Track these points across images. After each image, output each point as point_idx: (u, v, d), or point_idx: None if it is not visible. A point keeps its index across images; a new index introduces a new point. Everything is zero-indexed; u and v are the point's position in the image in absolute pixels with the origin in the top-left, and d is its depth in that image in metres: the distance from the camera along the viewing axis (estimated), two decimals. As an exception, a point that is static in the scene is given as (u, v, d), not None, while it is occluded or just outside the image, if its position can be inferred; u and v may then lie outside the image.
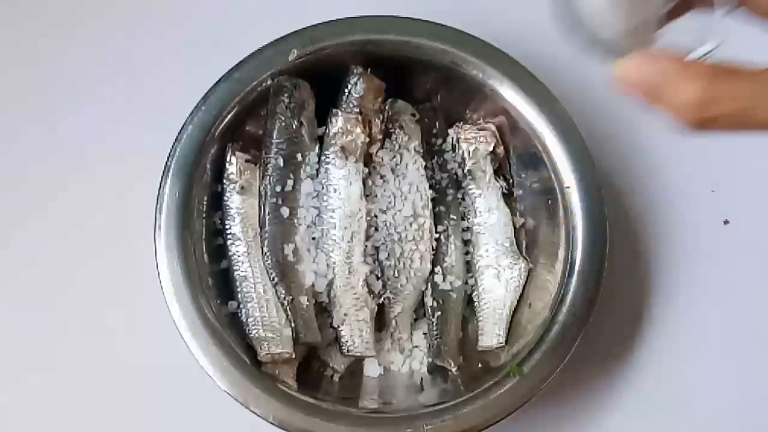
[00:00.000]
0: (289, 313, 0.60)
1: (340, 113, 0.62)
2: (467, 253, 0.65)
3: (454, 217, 0.65)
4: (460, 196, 0.66)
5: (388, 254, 0.63)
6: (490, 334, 0.63)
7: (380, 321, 0.63)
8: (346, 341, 0.61)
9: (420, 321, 0.65)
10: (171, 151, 0.59)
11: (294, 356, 0.59)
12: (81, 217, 0.67)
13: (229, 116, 0.61)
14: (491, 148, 0.65)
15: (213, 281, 0.60)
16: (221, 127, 0.61)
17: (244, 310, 0.60)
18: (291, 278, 0.60)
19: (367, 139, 0.63)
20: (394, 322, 0.63)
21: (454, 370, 0.62)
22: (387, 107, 0.65)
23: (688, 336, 0.68)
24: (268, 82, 0.61)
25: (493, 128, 0.66)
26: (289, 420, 0.55)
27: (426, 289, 0.64)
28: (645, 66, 0.32)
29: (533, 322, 0.61)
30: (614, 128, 0.72)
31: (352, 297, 0.61)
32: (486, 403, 0.57)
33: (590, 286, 0.59)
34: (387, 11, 0.63)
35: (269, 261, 0.60)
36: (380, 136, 0.64)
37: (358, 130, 0.62)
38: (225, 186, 0.62)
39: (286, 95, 0.61)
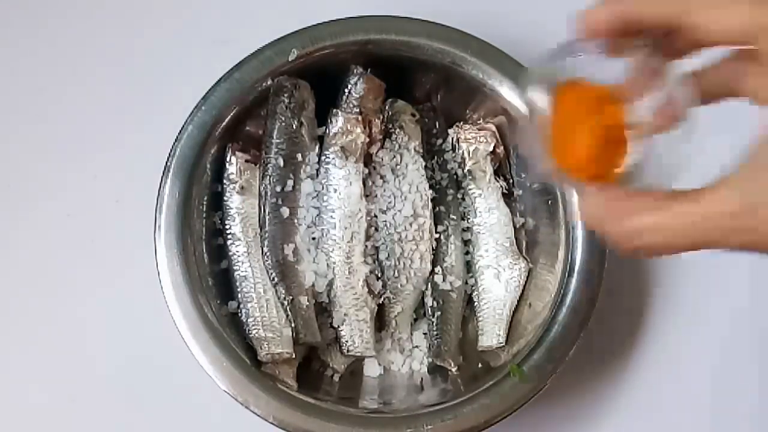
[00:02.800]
0: (289, 313, 0.60)
1: (340, 113, 0.62)
2: (467, 253, 0.65)
3: (454, 217, 0.65)
4: (460, 196, 0.66)
5: (388, 254, 0.63)
6: (490, 334, 0.63)
7: (380, 321, 0.63)
8: (346, 341, 0.61)
9: (420, 321, 0.65)
10: (171, 151, 0.59)
11: (294, 356, 0.59)
12: (81, 217, 0.67)
13: (229, 116, 0.61)
14: (491, 148, 0.65)
15: (213, 281, 0.60)
16: (221, 127, 0.61)
17: (244, 310, 0.60)
18: (291, 278, 0.60)
19: (367, 139, 0.63)
20: (394, 322, 0.63)
21: (454, 370, 0.62)
22: (387, 107, 0.65)
23: (688, 336, 0.68)
24: (268, 82, 0.61)
25: (493, 128, 0.66)
26: (289, 420, 0.55)
27: (426, 289, 0.64)
28: (589, 200, 0.36)
29: (533, 322, 0.61)
30: (614, 128, 0.72)
31: (352, 297, 0.61)
32: (486, 403, 0.57)
33: (590, 286, 0.59)
34: (387, 11, 0.63)
35: (269, 261, 0.60)
36: (380, 136, 0.64)
37: (358, 130, 0.62)
38: (225, 186, 0.62)
39: (286, 95, 0.61)
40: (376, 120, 0.63)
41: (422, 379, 0.63)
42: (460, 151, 0.66)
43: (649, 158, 0.38)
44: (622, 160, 0.39)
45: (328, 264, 0.61)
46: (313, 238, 0.62)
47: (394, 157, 0.64)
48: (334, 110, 0.62)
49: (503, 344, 0.62)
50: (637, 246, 0.34)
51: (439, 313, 0.63)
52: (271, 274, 0.60)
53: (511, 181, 0.67)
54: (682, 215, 0.34)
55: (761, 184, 0.33)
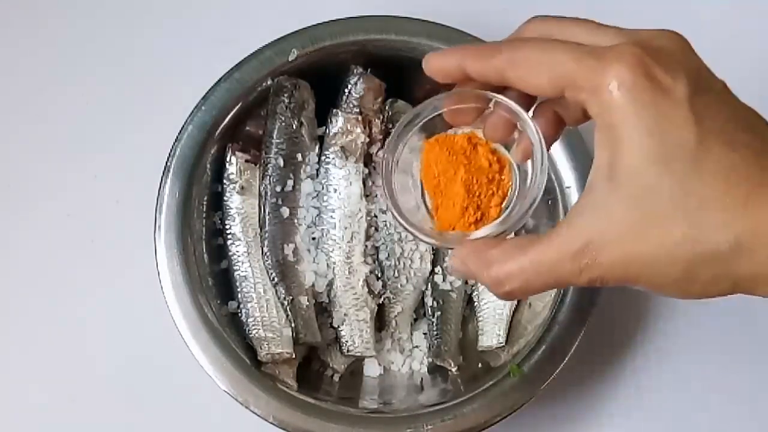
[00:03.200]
0: (289, 313, 0.60)
1: (340, 113, 0.62)
2: (467, 253, 0.65)
3: (454, 217, 0.65)
4: (460, 195, 0.66)
5: (388, 254, 0.63)
6: (490, 334, 0.63)
7: (380, 321, 0.63)
8: (346, 341, 0.61)
9: (420, 321, 0.65)
10: (171, 151, 0.59)
11: (294, 356, 0.59)
12: (81, 217, 0.67)
13: (229, 116, 0.61)
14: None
15: (213, 281, 0.60)
16: (221, 127, 0.61)
17: (244, 310, 0.60)
18: (291, 278, 0.60)
19: (367, 139, 0.63)
20: (394, 322, 0.63)
21: (454, 370, 0.62)
22: (387, 107, 0.65)
23: (689, 335, 0.68)
24: (268, 82, 0.61)
25: (493, 128, 0.66)
26: (289, 420, 0.55)
27: (426, 289, 0.64)
28: (460, 256, 0.40)
29: (533, 322, 0.61)
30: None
31: (352, 297, 0.61)
32: (486, 403, 0.57)
33: (590, 286, 0.59)
34: (387, 11, 0.63)
35: (269, 261, 0.60)
36: (380, 136, 0.64)
37: (358, 130, 0.62)
38: (225, 186, 0.62)
39: (286, 95, 0.61)
40: (376, 120, 0.63)
41: (422, 379, 0.63)
42: (460, 151, 0.66)
43: (520, 187, 0.41)
44: (499, 197, 0.42)
45: (328, 264, 0.61)
46: (313, 238, 0.62)
47: (394, 157, 0.64)
48: (334, 110, 0.62)
49: (503, 344, 0.62)
50: (505, 291, 0.38)
51: (439, 313, 0.63)
52: (271, 274, 0.60)
53: (511, 181, 0.67)
54: (535, 261, 0.37)
55: (591, 221, 0.35)
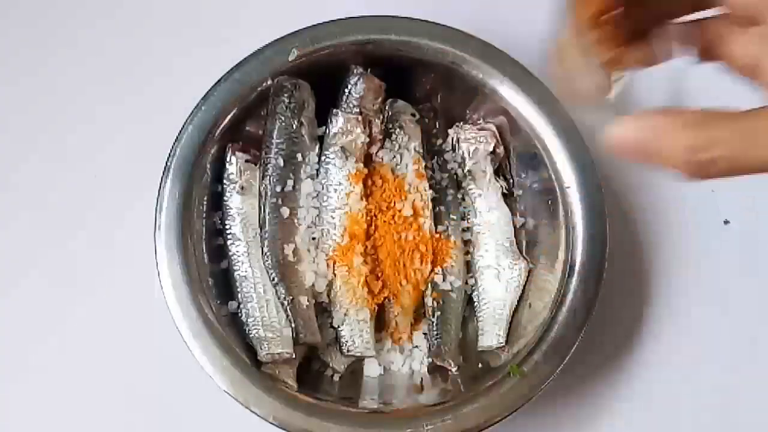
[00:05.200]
0: (289, 313, 0.60)
1: (340, 113, 0.62)
2: (467, 253, 0.65)
3: (454, 217, 0.65)
4: (460, 196, 0.66)
5: (388, 254, 0.63)
6: (490, 334, 0.63)
7: (380, 321, 0.63)
8: (346, 341, 0.61)
9: (420, 321, 0.65)
10: (171, 151, 0.59)
11: (294, 356, 0.59)
12: (81, 217, 0.67)
13: (229, 116, 0.61)
14: (491, 148, 0.65)
15: (213, 281, 0.60)
16: (221, 127, 0.61)
17: (244, 310, 0.60)
18: (291, 278, 0.60)
19: (367, 139, 0.63)
20: (394, 322, 0.63)
21: (454, 370, 0.62)
22: (387, 107, 0.65)
23: (688, 336, 0.68)
24: (268, 82, 0.61)
25: (493, 128, 0.66)
26: (289, 420, 0.55)
27: (426, 289, 0.64)
28: (637, 124, 0.33)
29: (533, 322, 0.61)
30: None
31: (352, 297, 0.61)
32: (486, 403, 0.57)
33: (590, 286, 0.59)
34: (387, 11, 0.63)
35: (269, 261, 0.60)
36: (380, 136, 0.64)
37: (358, 130, 0.62)
38: (225, 186, 0.62)
39: (286, 95, 0.61)
40: (376, 120, 0.63)
41: (422, 379, 0.63)
42: (460, 151, 0.66)
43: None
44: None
45: (328, 264, 0.61)
46: (313, 238, 0.62)
47: (394, 157, 0.64)
48: (334, 110, 0.62)
49: (503, 344, 0.62)
50: (707, 160, 0.31)
51: (439, 313, 0.63)
52: (271, 274, 0.60)
53: (511, 181, 0.67)
54: (750, 129, 0.31)
55: None
